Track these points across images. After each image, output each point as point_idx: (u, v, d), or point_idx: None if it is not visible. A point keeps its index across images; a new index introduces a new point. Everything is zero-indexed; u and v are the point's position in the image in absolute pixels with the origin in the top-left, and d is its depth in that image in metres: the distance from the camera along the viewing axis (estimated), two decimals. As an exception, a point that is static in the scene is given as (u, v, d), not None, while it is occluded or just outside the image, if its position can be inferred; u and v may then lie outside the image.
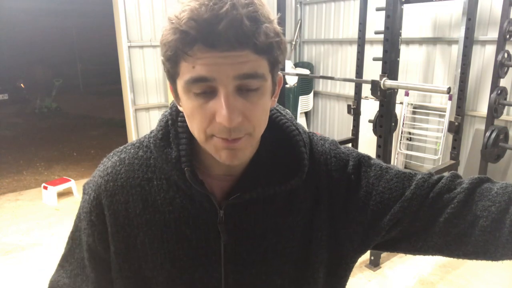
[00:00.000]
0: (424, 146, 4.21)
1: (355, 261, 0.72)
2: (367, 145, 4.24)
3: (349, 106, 4.19)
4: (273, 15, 0.56)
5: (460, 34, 3.55)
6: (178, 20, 0.52)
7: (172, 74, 0.58)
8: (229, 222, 0.65)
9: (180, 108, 0.62)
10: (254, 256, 0.66)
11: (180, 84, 0.56)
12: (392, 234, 0.68)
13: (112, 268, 0.69)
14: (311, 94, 5.43)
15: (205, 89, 0.54)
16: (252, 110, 0.56)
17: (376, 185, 0.68)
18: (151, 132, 0.70)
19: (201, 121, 0.56)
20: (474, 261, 0.66)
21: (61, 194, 4.18)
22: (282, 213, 0.66)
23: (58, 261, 0.79)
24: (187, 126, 0.63)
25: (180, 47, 0.53)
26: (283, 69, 3.74)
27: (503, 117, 3.30)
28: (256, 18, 0.52)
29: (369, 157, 0.73)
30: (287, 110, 0.74)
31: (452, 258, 0.68)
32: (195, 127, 0.58)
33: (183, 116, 0.65)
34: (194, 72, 0.53)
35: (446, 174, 0.69)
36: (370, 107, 4.32)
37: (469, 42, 3.28)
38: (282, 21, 3.80)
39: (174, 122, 0.67)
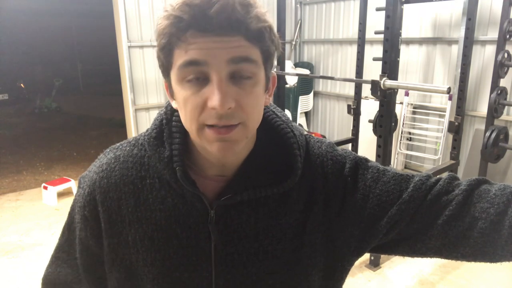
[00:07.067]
0: (424, 146, 4.21)
1: (352, 264, 0.72)
2: (367, 145, 4.24)
3: (349, 106, 4.19)
4: (264, 8, 0.57)
5: (460, 34, 3.55)
6: (172, 7, 0.54)
7: (166, 66, 0.58)
8: (220, 223, 0.65)
9: (174, 106, 0.62)
10: (245, 257, 0.65)
11: (173, 73, 0.57)
12: (390, 236, 0.68)
13: (105, 262, 0.70)
14: (311, 94, 5.43)
15: (198, 75, 0.55)
16: (246, 98, 0.56)
17: (373, 188, 0.68)
18: (146, 131, 0.70)
19: (193, 109, 0.56)
20: (473, 262, 0.66)
21: (61, 194, 4.17)
22: (274, 214, 0.66)
23: (52, 253, 0.79)
24: (181, 126, 0.64)
25: (174, 33, 0.54)
26: (283, 69, 3.73)
27: (503, 117, 3.30)
28: (248, 4, 0.53)
29: (366, 159, 0.72)
30: (284, 112, 0.73)
31: (451, 259, 0.68)
32: (188, 117, 0.58)
33: (177, 116, 0.66)
34: (187, 56, 0.54)
35: (443, 176, 0.69)
36: (370, 107, 4.32)
37: (469, 42, 3.28)
38: (282, 21, 3.78)
39: (168, 122, 0.67)
